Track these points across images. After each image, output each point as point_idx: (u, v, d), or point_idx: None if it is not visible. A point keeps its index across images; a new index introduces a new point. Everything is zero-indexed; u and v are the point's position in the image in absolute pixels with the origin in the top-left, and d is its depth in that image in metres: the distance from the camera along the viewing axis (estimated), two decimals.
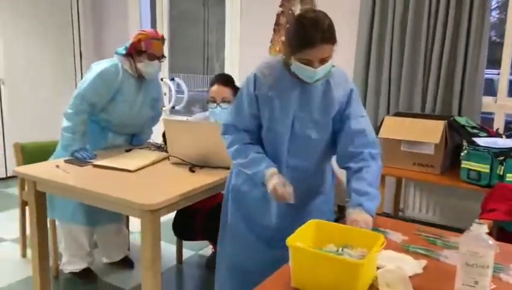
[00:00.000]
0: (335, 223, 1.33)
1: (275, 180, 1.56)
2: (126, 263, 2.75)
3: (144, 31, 2.49)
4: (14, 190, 4.01)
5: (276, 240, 1.63)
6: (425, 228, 1.61)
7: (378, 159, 1.65)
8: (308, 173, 1.70)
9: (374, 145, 1.65)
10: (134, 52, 2.43)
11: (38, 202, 2.10)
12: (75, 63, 4.85)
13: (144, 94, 2.56)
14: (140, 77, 2.51)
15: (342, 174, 1.80)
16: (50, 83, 4.67)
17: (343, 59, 3.47)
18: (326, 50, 1.48)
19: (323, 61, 1.50)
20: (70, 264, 2.56)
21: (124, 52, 2.45)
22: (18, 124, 4.41)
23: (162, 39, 2.49)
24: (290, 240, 1.15)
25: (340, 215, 1.71)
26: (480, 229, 1.10)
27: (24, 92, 4.50)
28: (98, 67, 2.42)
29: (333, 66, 1.58)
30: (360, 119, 1.65)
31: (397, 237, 1.50)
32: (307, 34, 1.45)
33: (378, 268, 1.20)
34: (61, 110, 2.45)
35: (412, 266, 1.28)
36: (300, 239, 1.19)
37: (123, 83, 2.44)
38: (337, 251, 1.21)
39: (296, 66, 1.52)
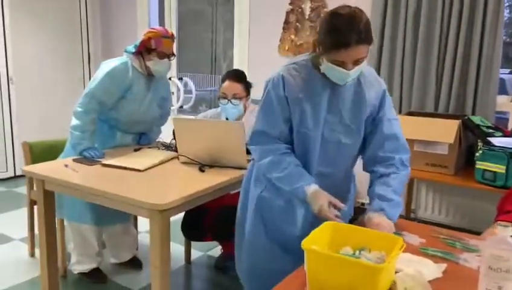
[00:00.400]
0: (351, 225, 1.29)
1: (321, 200, 1.44)
2: (134, 263, 2.72)
3: (153, 29, 2.46)
4: (23, 189, 4.01)
5: (301, 250, 1.56)
6: (442, 230, 1.56)
7: (408, 166, 1.58)
8: (337, 180, 1.60)
9: (405, 150, 1.60)
10: (144, 50, 2.40)
11: (47, 201, 2.08)
12: (83, 62, 4.85)
13: (153, 93, 2.54)
14: (149, 76, 2.49)
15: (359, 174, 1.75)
16: (59, 81, 4.66)
17: None
18: (361, 51, 1.38)
19: (357, 62, 1.40)
20: (79, 264, 2.54)
21: (133, 50, 2.42)
22: (27, 123, 4.41)
23: (172, 37, 2.46)
24: (305, 243, 1.11)
25: (354, 217, 1.65)
26: (505, 231, 1.06)
27: (33, 91, 4.50)
28: (107, 65, 2.40)
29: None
30: (393, 122, 1.58)
31: (414, 239, 1.45)
32: (342, 34, 1.35)
33: (396, 272, 1.15)
34: (70, 109, 2.43)
35: (432, 270, 1.23)
36: (316, 242, 1.15)
37: (133, 81, 2.42)
38: (354, 254, 1.16)
39: (327, 66, 1.43)
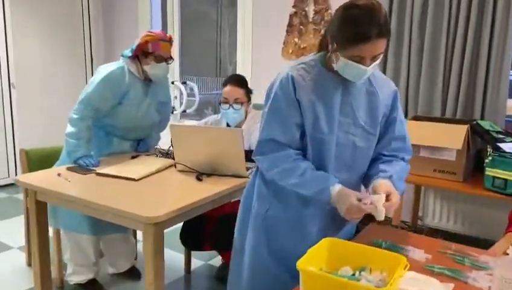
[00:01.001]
0: (350, 243, 1.21)
1: (350, 198, 1.33)
2: (133, 274, 2.66)
3: (151, 32, 2.40)
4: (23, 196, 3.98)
5: None
6: (451, 245, 1.47)
7: (408, 165, 1.54)
8: (352, 185, 1.44)
9: (409, 151, 1.55)
10: (141, 54, 2.34)
11: (39, 212, 2.02)
12: (86, 66, 4.80)
13: (151, 97, 2.47)
14: (147, 80, 2.43)
15: None
16: (61, 86, 4.62)
17: None
18: (381, 45, 1.29)
19: (375, 58, 1.31)
20: (75, 275, 2.48)
21: (130, 54, 2.36)
22: (29, 129, 4.37)
23: (170, 40, 2.39)
24: (301, 263, 1.03)
25: (362, 221, 1.54)
26: None
27: (35, 96, 4.46)
28: (104, 70, 2.34)
29: None
30: (404, 123, 1.54)
31: (420, 255, 1.36)
32: (361, 26, 1.25)
33: None
34: None
35: None
36: (313, 261, 1.07)
37: (129, 86, 2.36)
38: (354, 274, 1.08)
39: (343, 63, 1.31)
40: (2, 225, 3.45)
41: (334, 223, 1.47)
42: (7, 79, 4.24)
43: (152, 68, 2.35)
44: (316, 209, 1.46)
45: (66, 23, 4.67)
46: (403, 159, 1.51)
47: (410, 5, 3.07)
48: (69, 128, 2.30)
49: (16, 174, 4.36)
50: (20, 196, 4.03)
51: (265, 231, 1.50)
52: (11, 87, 4.28)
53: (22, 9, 4.31)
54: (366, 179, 1.51)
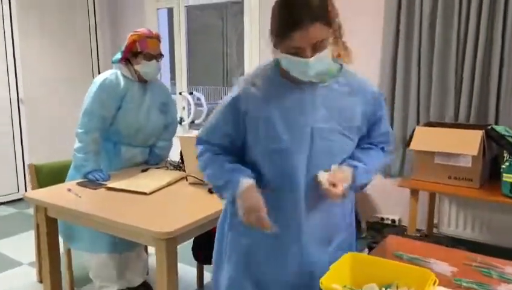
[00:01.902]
0: (373, 257, 1.16)
1: (254, 199, 1.21)
2: (145, 289, 2.61)
3: (136, 31, 2.40)
4: (33, 211, 3.96)
5: None
6: (476, 256, 1.41)
7: (388, 153, 1.45)
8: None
9: (389, 142, 1.45)
10: (131, 55, 2.36)
11: (50, 228, 1.99)
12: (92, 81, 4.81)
13: (150, 98, 2.47)
14: (141, 81, 2.43)
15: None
16: (69, 102, 4.62)
17: (368, 65, 3.34)
18: (317, 31, 1.15)
19: (316, 47, 1.16)
20: (104, 289, 2.43)
21: (120, 56, 2.37)
22: (38, 144, 4.37)
23: (157, 37, 2.40)
24: (325, 280, 0.99)
25: (373, 241, 1.50)
26: None
27: (43, 111, 4.47)
28: (98, 80, 2.36)
29: (341, 63, 1.31)
30: (387, 119, 1.44)
31: (445, 268, 1.31)
32: (294, 11, 1.14)
33: None
34: None
35: None
36: (336, 278, 1.03)
37: (126, 89, 2.36)
38: None
39: (284, 59, 1.20)
40: (12, 240, 3.43)
41: (315, 240, 1.33)
42: (15, 94, 4.26)
43: (143, 67, 2.36)
44: (293, 229, 1.31)
45: (74, 37, 4.68)
46: (382, 149, 1.43)
47: (419, 7, 3.03)
48: (77, 144, 2.30)
49: (26, 189, 4.35)
50: (30, 211, 4.02)
51: (243, 257, 1.38)
52: (20, 103, 4.29)
53: (30, 26, 4.33)
54: None
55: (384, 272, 1.08)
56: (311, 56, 1.17)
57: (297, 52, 1.17)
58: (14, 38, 4.19)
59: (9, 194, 4.28)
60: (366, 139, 1.39)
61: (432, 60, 3.04)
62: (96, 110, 2.30)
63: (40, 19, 4.40)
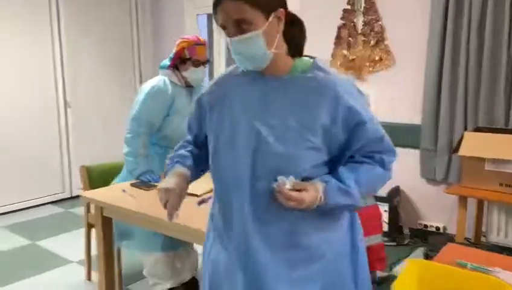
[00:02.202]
0: (441, 265, 1.14)
1: (173, 182, 1.32)
2: (192, 285, 2.65)
3: (185, 38, 2.45)
4: (79, 210, 4.10)
5: None
6: None
7: (389, 169, 1.26)
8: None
9: (389, 152, 1.26)
10: (179, 61, 2.41)
11: (105, 227, 2.06)
12: (136, 87, 4.93)
13: None
14: (188, 86, 2.48)
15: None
16: (112, 106, 4.78)
17: (412, 68, 3.29)
18: (236, 8, 1.11)
19: (240, 28, 1.13)
20: (158, 286, 2.48)
21: (168, 63, 2.43)
22: (83, 146, 4.54)
23: (205, 44, 2.45)
24: (396, 288, 0.98)
25: (430, 249, 1.45)
26: None
27: (89, 115, 4.64)
28: (146, 87, 2.42)
29: (312, 57, 1.27)
30: (375, 122, 1.23)
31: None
32: None
33: None
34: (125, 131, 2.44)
35: None
36: (405, 286, 1.02)
37: (174, 95, 2.42)
38: None
39: (226, 43, 1.22)
40: (61, 238, 3.56)
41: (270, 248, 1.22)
42: (63, 98, 4.43)
43: (191, 73, 2.41)
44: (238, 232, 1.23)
45: (118, 43, 4.84)
46: (381, 159, 1.24)
47: (467, 7, 2.96)
48: (126, 148, 2.38)
49: (71, 189, 4.51)
50: (76, 211, 4.17)
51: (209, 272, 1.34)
52: (67, 106, 4.46)
53: (78, 32, 4.50)
54: None
55: (452, 281, 1.07)
56: (234, 35, 1.14)
57: (226, 34, 1.18)
58: (62, 47, 4.37)
59: (56, 193, 4.45)
60: (355, 152, 1.23)
61: (481, 63, 2.96)
62: (144, 116, 2.37)
63: (86, 27, 4.57)
